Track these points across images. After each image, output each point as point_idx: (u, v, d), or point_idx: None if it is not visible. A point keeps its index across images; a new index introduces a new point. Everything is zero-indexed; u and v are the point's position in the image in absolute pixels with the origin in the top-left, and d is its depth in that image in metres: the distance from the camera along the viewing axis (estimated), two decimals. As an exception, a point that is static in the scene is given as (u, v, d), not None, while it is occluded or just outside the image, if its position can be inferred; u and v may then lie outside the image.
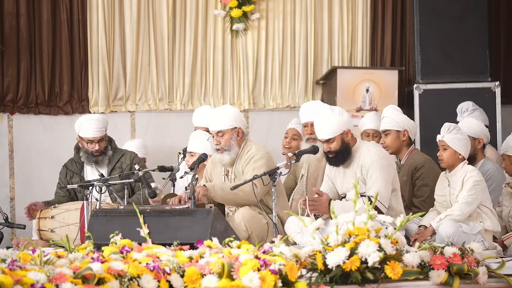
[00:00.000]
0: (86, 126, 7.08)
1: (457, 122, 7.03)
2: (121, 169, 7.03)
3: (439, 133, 6.16)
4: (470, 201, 5.90)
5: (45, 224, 6.70)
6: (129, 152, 7.28)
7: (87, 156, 7.10)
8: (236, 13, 8.83)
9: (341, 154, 6.05)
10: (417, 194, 6.66)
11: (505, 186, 6.47)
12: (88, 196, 6.20)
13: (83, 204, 6.39)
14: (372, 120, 7.74)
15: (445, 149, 6.08)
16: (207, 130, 6.78)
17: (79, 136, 7.16)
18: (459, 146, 6.06)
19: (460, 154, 6.07)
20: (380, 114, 7.19)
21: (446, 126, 6.13)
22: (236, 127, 6.34)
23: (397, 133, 6.72)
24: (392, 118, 6.72)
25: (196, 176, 6.40)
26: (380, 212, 5.61)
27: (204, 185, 6.09)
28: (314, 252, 4.46)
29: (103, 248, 4.55)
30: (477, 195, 5.93)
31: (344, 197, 6.13)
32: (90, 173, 7.13)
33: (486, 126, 7.25)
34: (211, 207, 5.81)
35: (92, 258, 4.19)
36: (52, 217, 6.69)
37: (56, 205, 6.85)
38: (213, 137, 6.38)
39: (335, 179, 6.22)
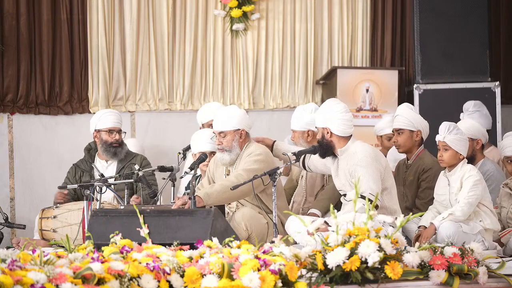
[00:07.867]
0: (105, 117, 7.21)
1: (459, 120, 7.03)
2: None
3: (439, 133, 6.15)
4: (471, 202, 5.90)
5: (47, 224, 6.70)
6: (139, 155, 7.33)
7: (106, 147, 7.16)
8: (236, 13, 8.83)
9: (320, 147, 6.13)
10: (420, 195, 6.65)
11: (503, 187, 6.46)
12: (88, 196, 6.20)
13: (85, 204, 6.40)
14: (389, 125, 7.46)
15: (446, 149, 6.06)
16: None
17: (95, 130, 7.22)
18: (460, 146, 6.05)
19: (460, 154, 6.07)
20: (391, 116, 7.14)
21: (446, 126, 6.10)
22: (239, 129, 6.34)
23: (411, 133, 6.71)
24: (407, 117, 6.70)
25: (197, 175, 6.38)
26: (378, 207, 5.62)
27: (197, 195, 5.98)
28: (314, 252, 4.46)
29: (103, 248, 4.55)
30: (478, 195, 5.93)
31: (344, 195, 6.13)
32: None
33: (487, 130, 7.23)
34: (211, 207, 5.79)
35: (92, 258, 4.19)
36: (54, 217, 6.68)
37: (58, 205, 6.85)
38: (216, 136, 6.39)
39: (334, 175, 6.24)
